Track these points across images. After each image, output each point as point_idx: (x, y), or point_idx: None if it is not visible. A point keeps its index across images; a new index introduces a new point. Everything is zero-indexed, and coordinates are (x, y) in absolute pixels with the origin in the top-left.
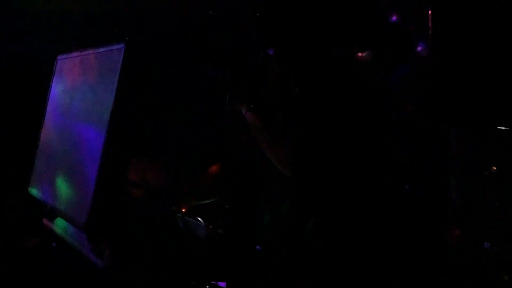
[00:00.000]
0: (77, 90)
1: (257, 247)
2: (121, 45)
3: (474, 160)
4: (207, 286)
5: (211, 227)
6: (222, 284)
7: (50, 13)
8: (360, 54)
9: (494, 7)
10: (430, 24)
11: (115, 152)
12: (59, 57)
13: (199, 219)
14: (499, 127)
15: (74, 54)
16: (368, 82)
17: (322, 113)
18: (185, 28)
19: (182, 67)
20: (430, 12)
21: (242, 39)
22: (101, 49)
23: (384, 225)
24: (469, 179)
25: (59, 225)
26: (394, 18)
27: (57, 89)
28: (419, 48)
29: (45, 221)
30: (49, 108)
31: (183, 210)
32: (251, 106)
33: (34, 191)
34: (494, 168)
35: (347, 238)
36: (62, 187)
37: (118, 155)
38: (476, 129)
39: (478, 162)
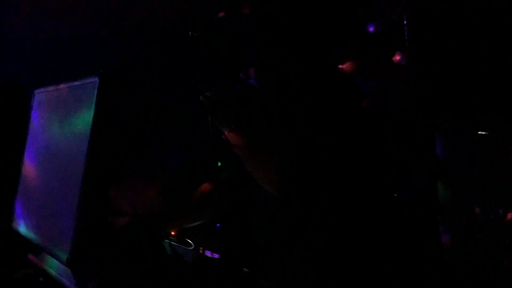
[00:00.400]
0: (55, 124)
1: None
2: (95, 79)
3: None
4: None
5: (201, 249)
6: None
7: (34, 41)
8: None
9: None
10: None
11: (94, 184)
12: (36, 91)
13: (189, 241)
14: (479, 132)
15: (50, 88)
16: (350, 89)
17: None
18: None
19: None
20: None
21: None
22: (76, 83)
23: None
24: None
25: (45, 260)
26: (372, 28)
27: (36, 123)
28: (397, 57)
29: (31, 256)
30: (29, 142)
31: (173, 233)
32: (233, 127)
33: (17, 227)
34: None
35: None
36: (45, 222)
37: (98, 188)
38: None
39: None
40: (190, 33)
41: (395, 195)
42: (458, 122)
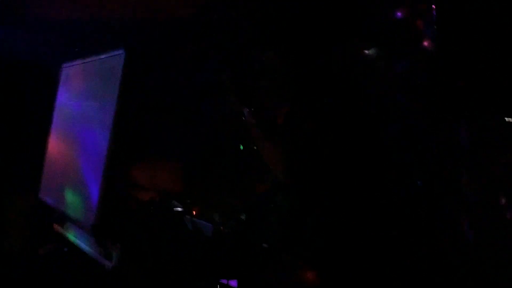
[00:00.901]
0: (81, 96)
1: (264, 245)
2: (121, 51)
3: (486, 153)
4: (218, 286)
5: (221, 228)
6: (233, 283)
7: (53, 21)
8: (364, 51)
9: (498, 4)
10: (435, 19)
11: (119, 154)
12: (64, 65)
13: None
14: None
15: (77, 61)
16: (372, 78)
17: (323, 111)
18: (185, 29)
19: (182, 68)
20: (434, 7)
21: (242, 41)
22: (102, 56)
23: (386, 224)
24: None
25: (69, 229)
26: (399, 14)
27: (63, 96)
28: (425, 43)
29: (55, 226)
30: (56, 115)
31: (194, 212)
32: (252, 109)
33: (44, 197)
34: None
35: (348, 237)
36: (70, 192)
37: (122, 158)
38: (486, 122)
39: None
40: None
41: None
42: (482, 112)
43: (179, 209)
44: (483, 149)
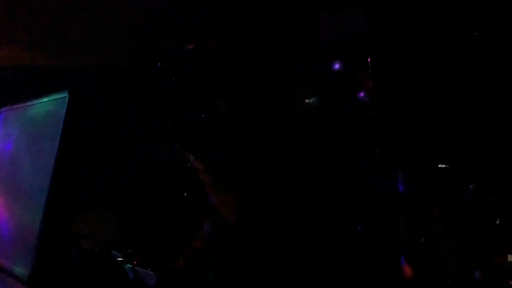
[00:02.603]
0: (22, 141)
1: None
2: (65, 94)
3: (420, 199)
4: None
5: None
6: None
7: None
8: (306, 100)
9: (432, 46)
10: (370, 71)
11: (59, 201)
12: (2, 109)
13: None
14: (440, 165)
15: (17, 105)
16: (315, 126)
17: (269, 157)
18: (128, 78)
19: (124, 116)
20: (369, 59)
21: (187, 91)
22: (45, 99)
23: (327, 265)
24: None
25: (5, 282)
26: (337, 66)
27: (2, 141)
28: (361, 94)
29: None
30: None
31: (135, 262)
32: (199, 155)
33: None
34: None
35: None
36: (6, 241)
37: (63, 205)
38: (419, 169)
39: (424, 201)
40: (159, 64)
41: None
42: (419, 158)
43: (120, 258)
44: (419, 195)
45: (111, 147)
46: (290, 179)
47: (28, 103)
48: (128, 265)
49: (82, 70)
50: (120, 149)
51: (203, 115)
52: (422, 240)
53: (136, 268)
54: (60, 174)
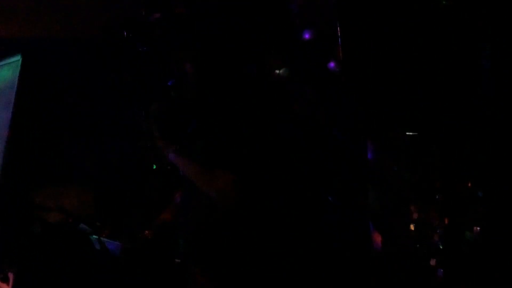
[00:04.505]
0: None
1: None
2: (17, 57)
3: (390, 167)
4: None
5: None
6: None
7: None
8: (276, 71)
9: (403, 22)
10: (340, 41)
11: (16, 170)
12: None
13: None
14: (408, 133)
15: None
16: (283, 96)
17: (238, 127)
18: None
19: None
20: (339, 29)
21: (154, 59)
22: None
23: (307, 236)
24: (387, 185)
25: None
26: (307, 35)
27: None
28: (331, 64)
29: None
30: None
31: (103, 234)
32: (166, 125)
33: None
34: None
35: (272, 251)
36: None
37: (20, 175)
38: (388, 137)
39: (394, 169)
40: (125, 32)
41: (327, 199)
42: (387, 126)
43: (88, 231)
44: (387, 163)
45: (76, 118)
46: (259, 148)
47: None
48: (93, 236)
49: (46, 40)
50: (87, 120)
51: (170, 83)
52: (391, 205)
53: (102, 239)
54: (14, 144)
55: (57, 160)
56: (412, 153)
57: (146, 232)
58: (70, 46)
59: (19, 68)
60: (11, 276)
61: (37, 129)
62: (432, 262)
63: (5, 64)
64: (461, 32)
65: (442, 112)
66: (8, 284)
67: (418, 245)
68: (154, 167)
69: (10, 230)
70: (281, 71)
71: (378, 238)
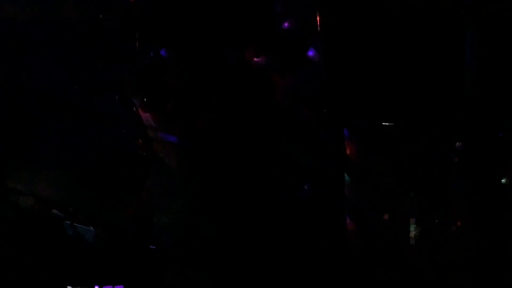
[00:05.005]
0: None
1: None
2: None
3: (368, 158)
4: None
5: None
6: None
7: None
8: (255, 58)
9: (383, 9)
10: (319, 29)
11: None
12: None
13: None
14: (384, 123)
15: None
16: (262, 85)
17: (228, 106)
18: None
19: (69, 63)
20: (318, 18)
21: (136, 39)
22: None
23: (282, 224)
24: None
25: None
26: (286, 24)
27: None
28: (310, 53)
29: None
30: None
31: (76, 220)
32: (145, 100)
33: None
34: None
35: (247, 237)
36: None
37: None
38: (366, 127)
39: (371, 159)
40: (101, 15)
41: (300, 194)
42: (363, 118)
43: (61, 216)
44: (365, 152)
45: (51, 101)
46: (238, 133)
47: None
48: (67, 222)
49: (21, 22)
50: (62, 103)
51: (146, 64)
52: (368, 197)
53: (75, 224)
54: None
55: (30, 144)
56: (388, 143)
57: (121, 217)
58: (49, 28)
59: None
60: None
61: (10, 110)
62: (408, 253)
63: None
64: (444, 20)
65: (420, 102)
66: None
67: (394, 237)
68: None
69: None
70: (260, 58)
71: (352, 227)
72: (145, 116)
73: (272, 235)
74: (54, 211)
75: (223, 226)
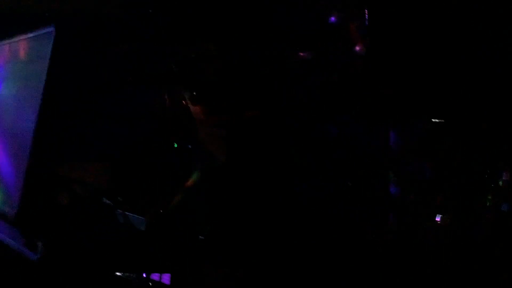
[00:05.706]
0: (7, 78)
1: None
2: (51, 28)
3: (412, 155)
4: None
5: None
6: (166, 278)
7: None
8: (300, 54)
9: (429, 8)
10: (367, 24)
11: (45, 140)
12: None
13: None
14: (433, 120)
15: (3, 42)
16: (307, 81)
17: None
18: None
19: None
20: (366, 12)
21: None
22: (30, 34)
23: (318, 221)
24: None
25: None
26: (332, 18)
27: None
28: (357, 48)
29: None
30: None
31: (125, 209)
32: (194, 93)
33: None
34: None
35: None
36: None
37: (49, 144)
38: (410, 125)
39: (416, 156)
40: (150, 10)
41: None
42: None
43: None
44: (410, 151)
45: (99, 95)
46: (278, 129)
47: (14, 39)
48: (118, 210)
49: (71, 15)
50: (109, 97)
51: (192, 56)
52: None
53: (127, 213)
54: (45, 116)
55: (81, 135)
56: (433, 141)
57: (167, 206)
58: (99, 22)
59: (52, 39)
60: (39, 245)
61: (66, 101)
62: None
63: (37, 35)
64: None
65: (467, 101)
66: (37, 253)
67: (440, 235)
68: (176, 145)
69: (39, 201)
70: (305, 54)
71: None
72: (194, 109)
73: (311, 232)
74: (104, 200)
75: (265, 209)
